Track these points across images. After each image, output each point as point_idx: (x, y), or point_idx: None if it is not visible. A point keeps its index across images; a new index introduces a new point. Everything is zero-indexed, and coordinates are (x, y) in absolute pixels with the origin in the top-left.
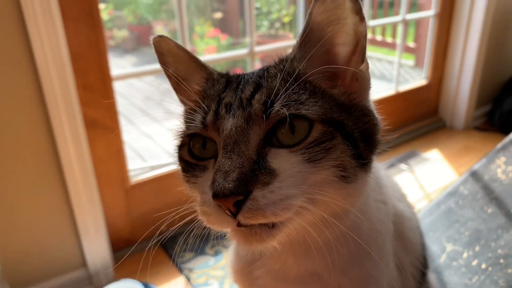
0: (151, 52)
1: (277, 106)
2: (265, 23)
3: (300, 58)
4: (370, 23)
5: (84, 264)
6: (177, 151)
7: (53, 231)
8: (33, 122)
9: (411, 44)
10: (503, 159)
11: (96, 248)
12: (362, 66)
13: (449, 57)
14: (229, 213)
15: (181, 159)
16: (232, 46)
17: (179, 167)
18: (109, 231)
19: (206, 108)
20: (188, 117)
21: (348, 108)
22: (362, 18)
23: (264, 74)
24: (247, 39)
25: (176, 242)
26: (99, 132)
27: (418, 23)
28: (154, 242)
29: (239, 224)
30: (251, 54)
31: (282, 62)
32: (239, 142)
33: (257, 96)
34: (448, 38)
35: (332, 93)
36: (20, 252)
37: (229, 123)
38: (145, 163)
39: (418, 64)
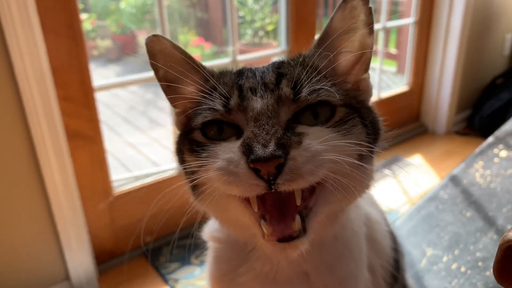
0: (135, 61)
1: (304, 92)
2: (249, 31)
3: (317, 55)
4: None
5: (67, 277)
6: (183, 138)
7: (34, 243)
8: (13, 134)
9: (393, 50)
10: (481, 163)
11: (79, 261)
12: (365, 75)
13: (430, 63)
14: (265, 177)
15: (193, 141)
16: (216, 54)
17: (187, 148)
18: (93, 243)
19: (226, 94)
20: (198, 108)
21: (359, 102)
22: (371, 32)
23: (281, 65)
24: (230, 48)
25: (161, 253)
26: (81, 143)
27: (399, 30)
28: (138, 253)
29: (268, 188)
30: (234, 63)
31: (300, 57)
32: (271, 117)
33: (284, 81)
34: (428, 45)
35: (346, 87)
36: (0, 265)
37: (259, 103)
38: (129, 173)
39: (400, 70)
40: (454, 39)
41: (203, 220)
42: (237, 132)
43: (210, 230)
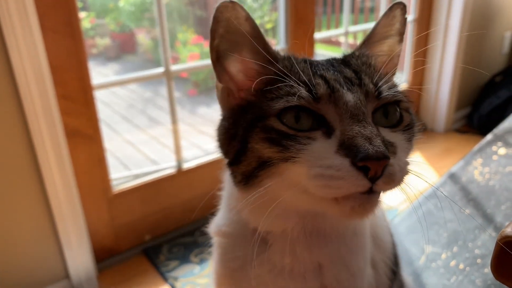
0: (134, 59)
1: (384, 90)
2: None
3: (370, 55)
4: (351, 28)
5: (66, 275)
6: (250, 123)
7: (34, 242)
8: (12, 133)
9: None
10: (479, 160)
11: (79, 259)
12: (392, 76)
13: (429, 61)
14: (370, 176)
15: (271, 129)
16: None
17: (263, 137)
18: (92, 241)
19: (308, 82)
20: (269, 93)
21: (410, 103)
22: (401, 40)
23: (349, 62)
24: None
25: (161, 251)
26: (80, 142)
27: None
28: (138, 251)
29: (368, 191)
30: None
31: (359, 57)
32: (366, 114)
33: (366, 78)
34: (427, 43)
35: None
36: (0, 263)
37: (350, 96)
38: (128, 171)
39: (400, 68)
40: (453, 36)
41: (205, 218)
42: (320, 124)
43: (217, 224)
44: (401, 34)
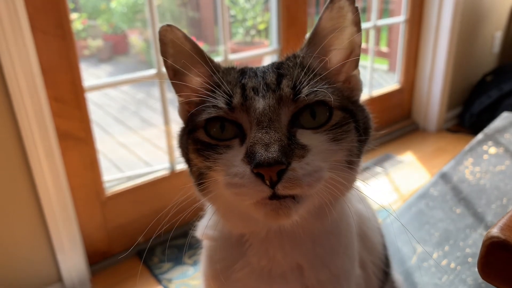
0: (126, 61)
1: (304, 92)
2: (241, 30)
3: (309, 55)
4: None
5: (59, 278)
6: (187, 135)
7: (26, 245)
8: (3, 135)
9: (384, 49)
10: (470, 160)
11: (72, 262)
12: (355, 71)
13: (420, 61)
14: (267, 183)
15: (197, 141)
16: (208, 53)
17: (193, 149)
18: (85, 244)
19: (229, 92)
20: (202, 104)
21: (352, 102)
22: (359, 30)
23: (280, 65)
24: (221, 47)
25: (154, 253)
26: (72, 144)
27: (390, 28)
28: (131, 253)
29: (272, 196)
30: (226, 62)
31: (295, 57)
32: (273, 120)
33: (284, 82)
34: (419, 43)
35: (341, 87)
36: None
37: (261, 103)
38: (121, 173)
39: (392, 68)
40: (444, 37)
41: (197, 219)
42: (239, 132)
43: (203, 228)
44: (357, 23)
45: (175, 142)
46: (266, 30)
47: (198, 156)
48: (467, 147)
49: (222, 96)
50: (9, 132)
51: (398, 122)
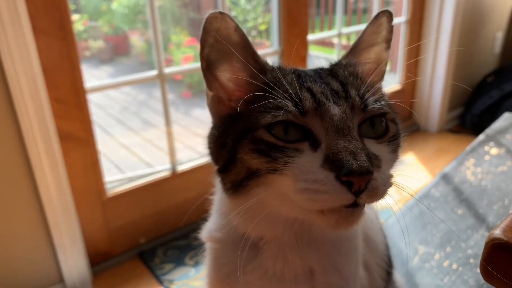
0: (128, 62)
1: (371, 102)
2: None
3: (357, 64)
4: (345, 30)
5: (61, 279)
6: (237, 134)
7: (28, 246)
8: (5, 136)
9: None
10: (472, 161)
11: (73, 263)
12: (380, 84)
13: (421, 62)
14: (352, 191)
15: (260, 140)
16: None
17: (252, 148)
18: (86, 244)
19: (297, 95)
20: (258, 104)
21: (395, 113)
22: (388, 47)
23: (335, 73)
24: None
25: (155, 254)
26: (73, 145)
27: None
28: (132, 254)
29: (352, 204)
30: None
31: (346, 66)
32: (351, 128)
33: (353, 91)
34: (420, 44)
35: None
36: None
37: (336, 110)
38: (122, 174)
39: (392, 69)
40: (445, 37)
41: (199, 220)
42: (307, 136)
43: (209, 230)
44: (388, 41)
45: (176, 144)
46: (267, 31)
47: (260, 156)
48: (468, 148)
49: (290, 99)
50: (11, 133)
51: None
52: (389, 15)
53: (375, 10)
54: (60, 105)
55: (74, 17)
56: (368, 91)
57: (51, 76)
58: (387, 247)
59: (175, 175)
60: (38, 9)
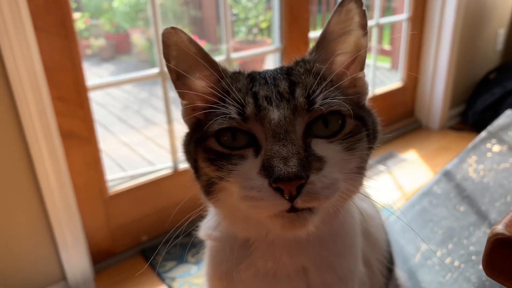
0: (129, 60)
1: (318, 102)
2: (243, 29)
3: (319, 60)
4: None
5: (63, 277)
6: (195, 142)
7: (30, 244)
8: (7, 135)
9: (386, 47)
10: (474, 158)
11: (76, 261)
12: (361, 74)
13: (423, 59)
14: (286, 197)
15: (209, 150)
16: (210, 52)
17: (204, 157)
18: (89, 242)
19: (241, 101)
20: (211, 112)
21: (361, 107)
22: (365, 33)
23: (291, 71)
24: (224, 46)
25: (157, 251)
26: (75, 143)
27: (393, 26)
28: (134, 252)
29: (290, 209)
30: (228, 61)
31: (305, 63)
32: (289, 131)
33: (298, 91)
34: (421, 41)
35: (349, 92)
36: None
37: (276, 114)
38: (124, 172)
39: (394, 66)
40: (447, 34)
41: (200, 218)
42: (252, 142)
43: (206, 228)
44: (363, 26)
45: (178, 142)
46: (269, 29)
47: (210, 165)
48: (470, 145)
49: (234, 105)
50: (13, 131)
51: (401, 120)
52: (356, 0)
53: (376, 7)
54: (62, 103)
55: (76, 15)
56: (320, 89)
57: (52, 74)
58: (388, 243)
59: (176, 173)
60: (40, 8)
